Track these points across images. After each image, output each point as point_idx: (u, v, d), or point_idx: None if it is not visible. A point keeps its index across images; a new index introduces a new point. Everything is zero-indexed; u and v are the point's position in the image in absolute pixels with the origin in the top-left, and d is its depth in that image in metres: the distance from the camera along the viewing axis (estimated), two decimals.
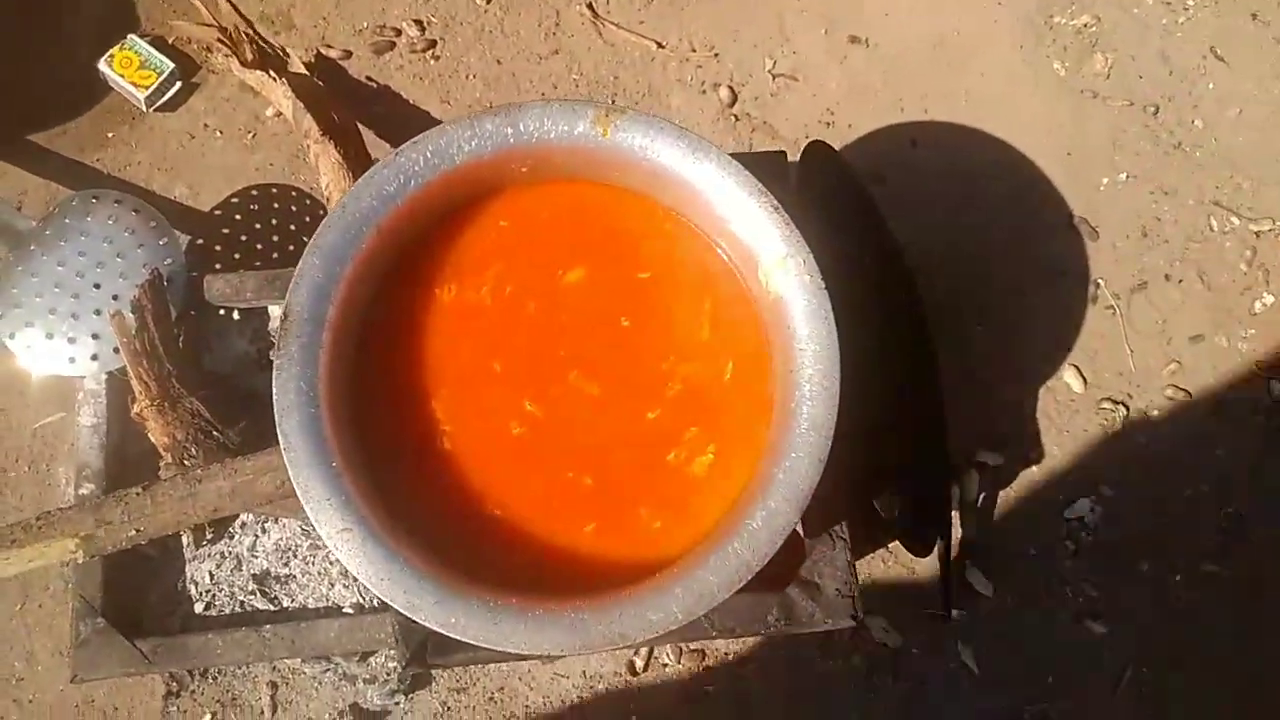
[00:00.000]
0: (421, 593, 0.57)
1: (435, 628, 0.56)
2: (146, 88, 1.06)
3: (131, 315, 0.85)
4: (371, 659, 0.94)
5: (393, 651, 0.93)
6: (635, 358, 0.65)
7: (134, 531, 0.77)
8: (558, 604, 0.57)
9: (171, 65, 1.07)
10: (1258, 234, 1.08)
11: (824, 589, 0.70)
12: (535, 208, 0.67)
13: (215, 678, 0.95)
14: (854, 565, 0.71)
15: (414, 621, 0.67)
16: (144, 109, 1.08)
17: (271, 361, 0.93)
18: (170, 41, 1.11)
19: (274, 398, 0.59)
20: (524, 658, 0.63)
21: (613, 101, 1.11)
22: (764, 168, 0.65)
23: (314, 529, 0.88)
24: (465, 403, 0.64)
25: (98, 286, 0.91)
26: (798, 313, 0.62)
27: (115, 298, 0.90)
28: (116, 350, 0.88)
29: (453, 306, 0.65)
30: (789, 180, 0.82)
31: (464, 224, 0.66)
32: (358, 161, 0.94)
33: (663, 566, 0.61)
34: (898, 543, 0.94)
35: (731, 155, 0.64)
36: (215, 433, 0.84)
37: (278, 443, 0.81)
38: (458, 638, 0.56)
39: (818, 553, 0.71)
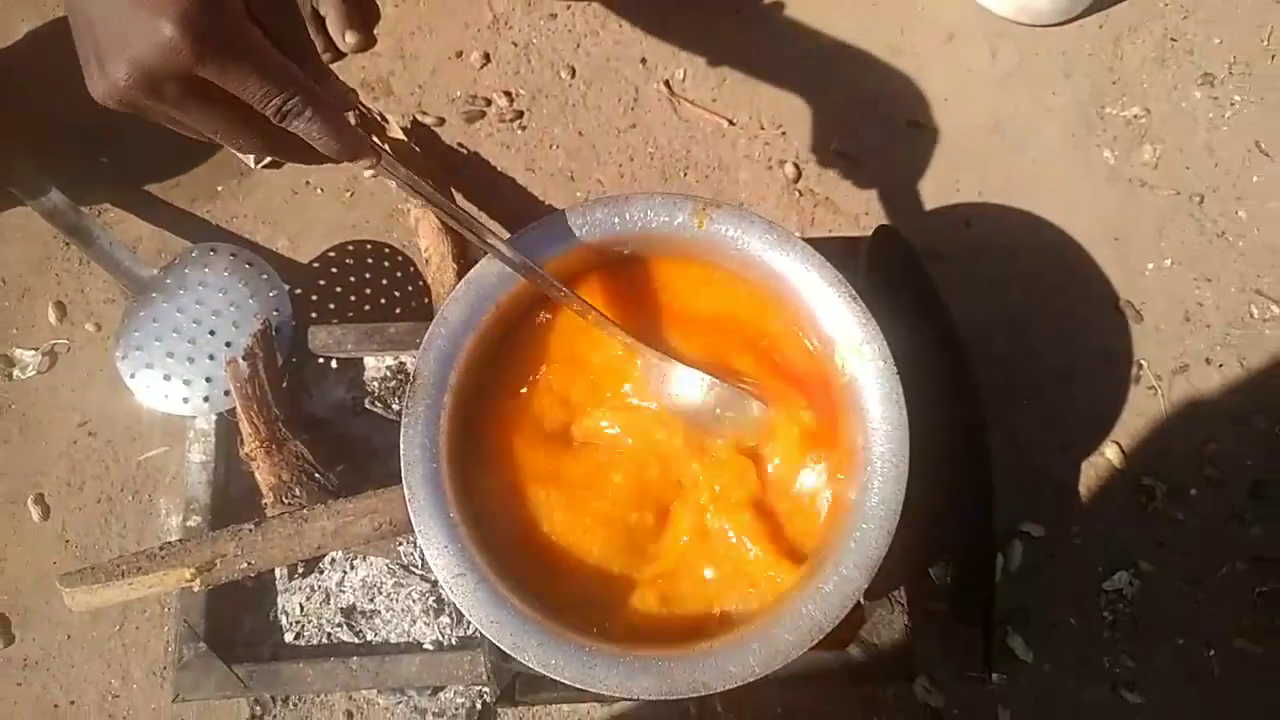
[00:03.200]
0: (526, 636, 0.63)
1: (537, 668, 0.62)
2: None
3: (244, 362, 0.92)
4: (441, 694, 1.00)
5: (463, 688, 0.99)
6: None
7: (246, 564, 0.84)
8: (646, 652, 0.63)
9: None
10: None
11: (882, 649, 0.76)
12: (635, 284, 0.73)
13: (295, 704, 1.01)
14: (910, 628, 0.76)
15: (506, 661, 0.74)
16: (252, 166, 1.16)
17: (366, 409, 1.01)
18: None
19: (401, 453, 0.65)
20: (608, 699, 0.69)
21: (684, 174, 1.19)
22: (839, 249, 0.72)
23: (399, 568, 0.95)
24: (560, 469, 0.70)
25: (212, 333, 0.99)
26: (871, 395, 0.68)
27: (228, 344, 0.98)
28: (227, 393, 0.96)
29: (560, 369, 0.72)
30: (861, 263, 0.88)
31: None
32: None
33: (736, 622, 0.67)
34: (945, 607, 0.98)
35: (811, 239, 0.71)
36: (317, 475, 0.91)
37: (376, 487, 0.89)
38: (557, 679, 0.62)
39: (877, 616, 0.76)
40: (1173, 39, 1.24)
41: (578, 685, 0.62)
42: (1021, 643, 1.03)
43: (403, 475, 0.65)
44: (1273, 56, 1.23)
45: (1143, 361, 1.12)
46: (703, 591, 0.68)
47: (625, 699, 0.63)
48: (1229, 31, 1.24)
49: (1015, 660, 1.03)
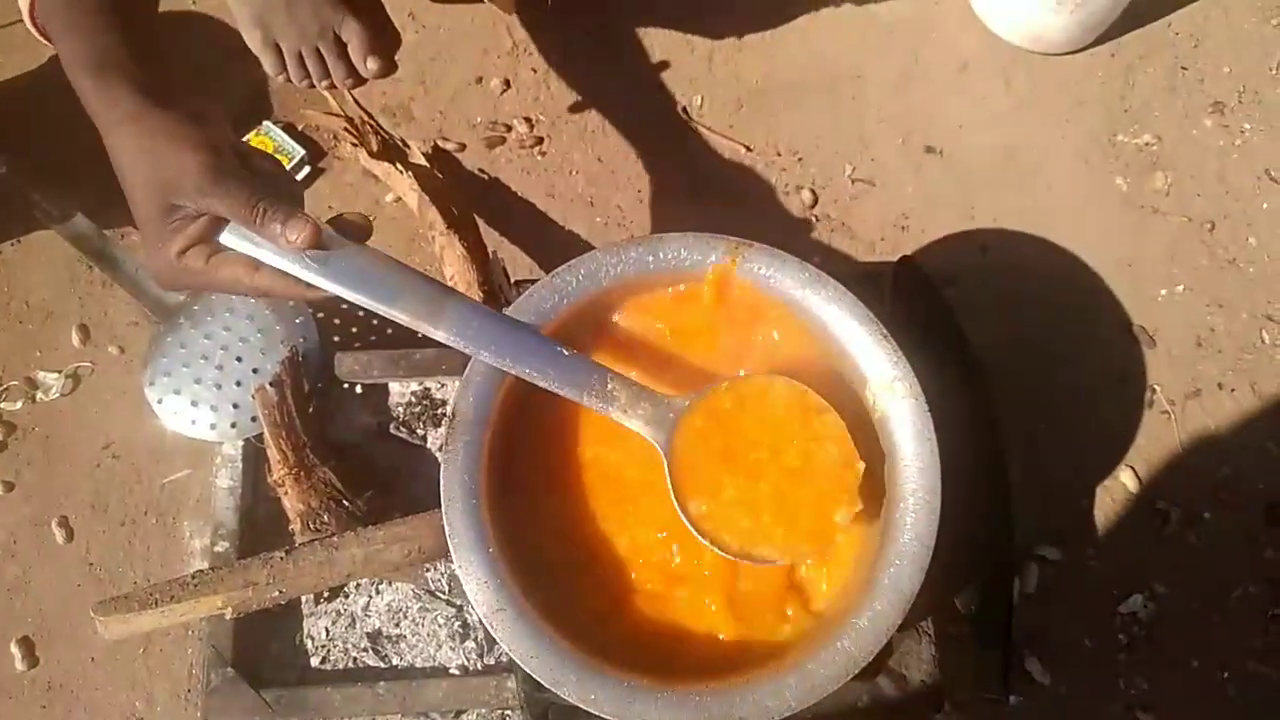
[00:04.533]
0: (565, 670, 0.64)
1: (576, 703, 0.63)
2: None
3: (272, 389, 0.93)
4: (463, 717, 1.00)
5: (485, 711, 1.00)
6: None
7: (277, 592, 0.84)
8: (685, 687, 0.64)
9: (303, 151, 1.17)
10: None
11: (910, 679, 0.77)
12: (669, 320, 0.74)
13: None
14: (938, 658, 0.77)
15: (541, 692, 0.75)
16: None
17: (391, 434, 1.02)
18: (300, 129, 1.21)
19: (441, 489, 0.66)
20: None
21: (702, 200, 1.20)
22: (862, 278, 0.73)
23: (424, 593, 0.96)
24: (600, 503, 0.71)
25: (239, 360, 1.00)
26: (903, 432, 0.69)
27: (255, 371, 0.99)
28: (254, 419, 0.97)
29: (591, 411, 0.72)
30: (886, 293, 0.90)
31: (604, 335, 0.74)
32: (476, 252, 1.03)
33: (773, 651, 0.68)
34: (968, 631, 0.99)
35: (834, 270, 0.72)
36: (345, 501, 0.92)
37: (402, 511, 0.90)
38: (595, 713, 0.63)
39: (905, 646, 0.77)
40: (1183, 68, 1.26)
41: (617, 719, 0.63)
42: (1038, 665, 1.04)
43: (443, 511, 0.66)
44: None
45: (1156, 386, 1.14)
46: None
47: None
48: (1238, 61, 1.26)
49: (1032, 682, 1.04)
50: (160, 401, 1.00)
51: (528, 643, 0.64)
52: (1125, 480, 1.10)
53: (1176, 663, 1.05)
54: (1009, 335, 1.14)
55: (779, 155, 1.22)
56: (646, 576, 0.69)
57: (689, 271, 0.72)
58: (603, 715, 0.63)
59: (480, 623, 0.95)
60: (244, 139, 1.18)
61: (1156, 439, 1.12)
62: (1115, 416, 1.13)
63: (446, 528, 0.66)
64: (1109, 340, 1.16)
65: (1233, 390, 1.14)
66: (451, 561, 0.92)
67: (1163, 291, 1.17)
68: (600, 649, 0.66)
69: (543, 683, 0.64)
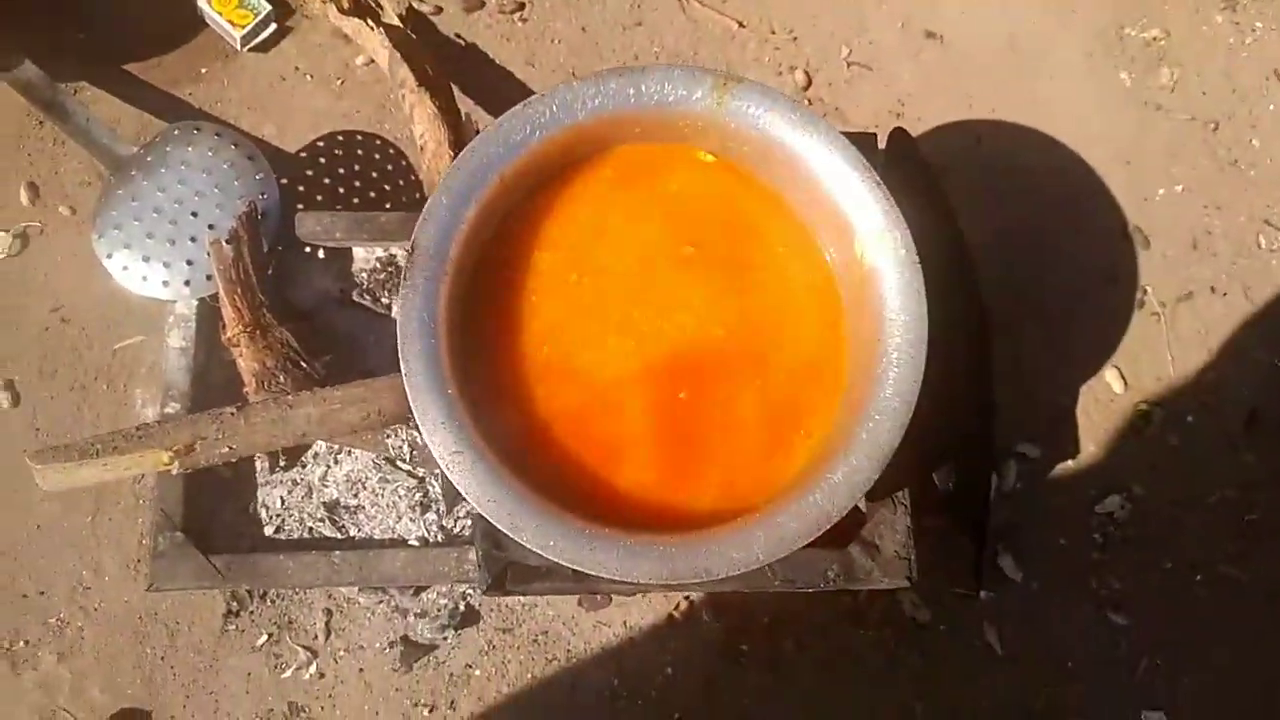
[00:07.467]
0: (525, 516, 0.60)
1: (535, 549, 0.60)
2: (243, 27, 1.09)
3: (228, 245, 0.88)
4: (424, 594, 0.98)
5: (446, 588, 0.97)
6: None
7: (227, 449, 0.81)
8: (649, 537, 0.61)
9: (269, 7, 1.10)
10: None
11: (883, 550, 0.74)
12: (645, 169, 0.70)
13: (273, 601, 0.99)
14: (912, 530, 0.75)
15: (500, 550, 0.72)
16: (238, 48, 1.11)
17: (354, 301, 0.97)
18: None
19: (398, 326, 0.62)
20: (605, 589, 0.67)
21: None
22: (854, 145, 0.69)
23: (385, 463, 0.92)
24: (565, 346, 0.68)
25: (195, 215, 0.94)
26: (891, 285, 0.65)
27: (211, 227, 0.94)
28: (208, 277, 0.92)
29: (563, 251, 0.68)
30: (878, 162, 0.85)
31: (578, 176, 0.70)
32: (449, 114, 0.97)
33: (741, 511, 0.65)
34: (943, 518, 0.97)
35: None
36: (303, 363, 0.88)
37: (367, 377, 0.86)
38: (555, 560, 0.60)
39: (879, 515, 0.74)
40: None
41: (576, 567, 0.60)
42: (1011, 562, 1.03)
43: (399, 349, 0.62)
44: None
45: (1147, 287, 1.11)
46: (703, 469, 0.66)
47: (624, 585, 0.61)
48: None
49: (1004, 579, 1.02)
50: (110, 256, 0.94)
51: (486, 487, 0.61)
52: (1110, 380, 1.08)
53: (1149, 563, 1.04)
54: (1000, 228, 1.10)
55: (773, 33, 1.16)
56: (594, 413, 0.66)
57: (673, 108, 0.67)
58: (563, 563, 0.60)
59: (442, 494, 0.91)
60: None
61: (1144, 340, 1.09)
62: (1104, 316, 1.10)
63: (402, 366, 0.62)
64: (1102, 238, 1.12)
65: (1225, 294, 1.11)
66: (412, 427, 0.89)
67: (1160, 191, 1.13)
68: (561, 497, 0.63)
69: (500, 528, 0.61)
